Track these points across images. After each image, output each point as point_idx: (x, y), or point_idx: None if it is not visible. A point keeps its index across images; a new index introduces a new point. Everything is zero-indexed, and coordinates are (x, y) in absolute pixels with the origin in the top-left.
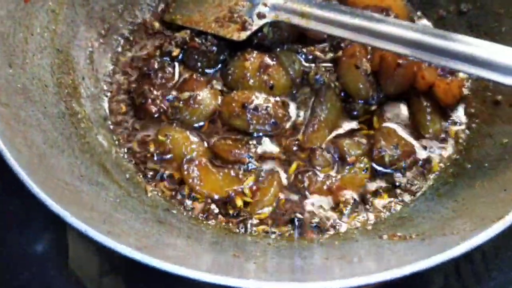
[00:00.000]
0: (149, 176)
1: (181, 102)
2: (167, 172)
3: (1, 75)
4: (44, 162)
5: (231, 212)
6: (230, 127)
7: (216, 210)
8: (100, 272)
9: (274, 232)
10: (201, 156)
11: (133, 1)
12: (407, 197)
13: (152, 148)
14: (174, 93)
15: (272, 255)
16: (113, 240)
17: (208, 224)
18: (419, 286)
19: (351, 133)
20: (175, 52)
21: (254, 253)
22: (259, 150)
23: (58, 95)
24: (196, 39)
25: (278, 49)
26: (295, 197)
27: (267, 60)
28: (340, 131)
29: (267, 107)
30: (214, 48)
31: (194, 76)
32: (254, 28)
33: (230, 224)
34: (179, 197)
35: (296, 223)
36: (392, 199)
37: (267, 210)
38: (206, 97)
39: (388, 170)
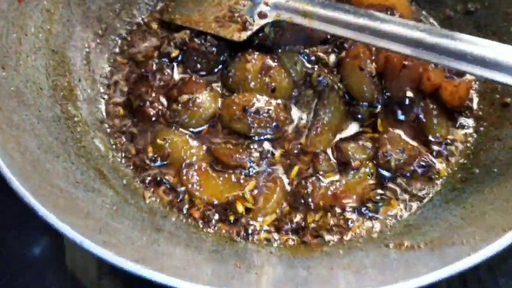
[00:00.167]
0: (147, 181)
1: (180, 105)
2: (165, 178)
3: None
4: (38, 168)
5: (231, 218)
6: (230, 130)
7: (216, 217)
8: (99, 274)
9: (277, 240)
10: (200, 160)
11: (131, 0)
12: (413, 204)
13: (150, 152)
14: (173, 95)
15: (275, 265)
16: (109, 251)
17: (208, 232)
18: None
19: (355, 137)
20: (174, 53)
21: (255, 263)
22: (261, 154)
23: (53, 98)
24: (196, 40)
25: (279, 50)
26: (298, 204)
27: (269, 61)
28: (344, 134)
29: (268, 110)
30: (214, 49)
31: (194, 78)
32: (255, 28)
33: (231, 232)
34: (178, 203)
35: (299, 231)
36: (398, 205)
37: (269, 218)
38: (205, 100)
39: (394, 175)
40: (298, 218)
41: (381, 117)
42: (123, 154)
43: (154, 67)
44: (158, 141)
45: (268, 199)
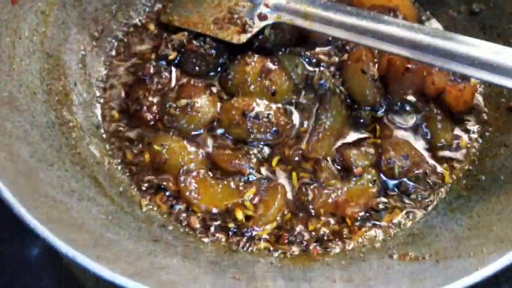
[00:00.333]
0: (143, 188)
1: (178, 110)
2: (163, 185)
3: None
4: (31, 178)
5: (231, 227)
6: (229, 135)
7: (215, 225)
8: (97, 276)
9: (277, 250)
10: (198, 167)
11: (128, 1)
12: (417, 212)
13: (147, 158)
14: (170, 99)
15: (276, 277)
16: (103, 266)
17: (206, 241)
18: None
19: (357, 142)
20: (172, 55)
21: (256, 275)
22: (261, 160)
23: (48, 103)
24: (194, 42)
25: (280, 53)
26: (299, 212)
27: (269, 64)
28: (346, 140)
29: (268, 114)
30: (213, 51)
31: (192, 82)
32: (255, 30)
33: (230, 241)
34: (175, 211)
35: (300, 240)
36: (401, 213)
37: (270, 226)
38: (204, 104)
39: (397, 182)
40: (299, 226)
41: (383, 122)
42: (119, 161)
43: (152, 70)
44: (155, 146)
45: (269, 206)
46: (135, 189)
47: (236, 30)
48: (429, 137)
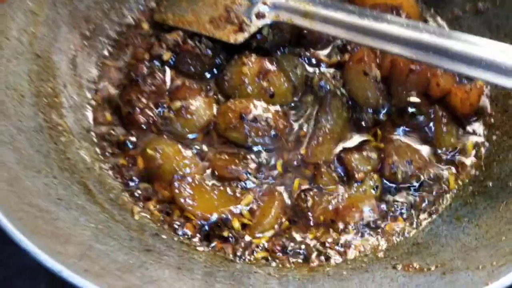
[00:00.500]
0: (136, 195)
1: (172, 112)
2: (156, 191)
3: None
4: (16, 187)
5: (227, 235)
6: (226, 139)
7: (211, 234)
8: None
9: (275, 260)
10: (194, 172)
11: None
12: (422, 219)
13: (140, 163)
14: (164, 101)
15: None
16: (90, 282)
17: (201, 251)
18: None
19: (359, 147)
20: (166, 55)
21: (253, 287)
22: (258, 165)
23: (36, 106)
24: (189, 41)
25: (278, 53)
26: (297, 219)
27: (267, 64)
28: (347, 144)
29: (267, 117)
30: (209, 51)
31: (187, 83)
32: (253, 29)
33: (226, 250)
34: (169, 219)
35: (299, 249)
36: (405, 221)
37: (268, 234)
38: (199, 107)
39: (401, 188)
40: (298, 234)
41: (386, 125)
42: (111, 166)
43: (145, 71)
44: (149, 151)
45: (266, 214)
46: (127, 196)
47: (233, 30)
48: (433, 140)
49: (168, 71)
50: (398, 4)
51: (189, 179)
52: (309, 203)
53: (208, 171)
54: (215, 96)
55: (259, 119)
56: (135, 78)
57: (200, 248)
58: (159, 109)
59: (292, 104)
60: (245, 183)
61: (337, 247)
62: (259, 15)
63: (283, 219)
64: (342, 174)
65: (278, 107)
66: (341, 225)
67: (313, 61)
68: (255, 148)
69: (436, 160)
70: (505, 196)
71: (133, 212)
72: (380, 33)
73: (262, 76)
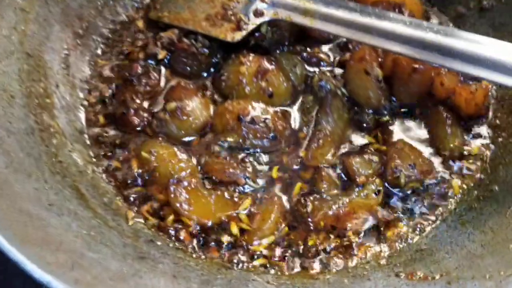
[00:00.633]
0: (130, 199)
1: (167, 113)
2: (151, 195)
3: None
4: (5, 192)
5: (224, 241)
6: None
7: (208, 240)
8: None
9: (274, 267)
10: (190, 176)
11: None
12: (425, 225)
13: (134, 166)
14: (159, 102)
15: None
16: None
17: (197, 258)
18: None
19: (361, 149)
20: (161, 54)
21: None
22: (257, 169)
23: (27, 107)
24: (185, 40)
25: (277, 52)
26: (297, 225)
27: (265, 64)
28: (348, 146)
29: (265, 119)
30: (205, 50)
31: (183, 83)
32: (251, 27)
33: (224, 257)
34: (164, 224)
35: (299, 256)
36: (408, 226)
37: (266, 240)
38: (196, 108)
39: (403, 192)
40: (298, 240)
41: (388, 126)
42: (104, 169)
43: (139, 70)
44: (143, 153)
45: (265, 219)
46: (121, 200)
47: (230, 28)
48: (437, 142)
49: (163, 70)
50: (401, 2)
51: (185, 183)
52: (309, 208)
53: (205, 175)
54: (211, 97)
55: (257, 121)
56: (129, 78)
57: (197, 255)
58: (154, 110)
59: (291, 105)
60: (243, 187)
61: (337, 254)
62: (257, 13)
63: (283, 225)
64: (343, 178)
65: (277, 108)
66: (342, 231)
67: (313, 60)
68: (253, 151)
69: (439, 162)
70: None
71: (127, 217)
72: (383, 32)
73: (261, 76)
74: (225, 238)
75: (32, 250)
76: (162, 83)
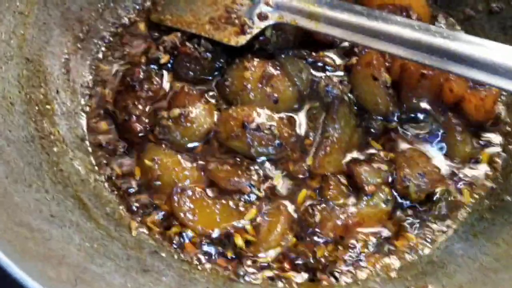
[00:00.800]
0: (133, 209)
1: (170, 120)
2: (155, 204)
3: None
4: (5, 204)
5: (229, 253)
6: (228, 149)
7: (212, 251)
8: None
9: (281, 279)
10: (194, 184)
11: None
12: (436, 236)
13: (137, 174)
14: (162, 108)
15: None
16: None
17: (202, 270)
18: None
19: (369, 157)
20: (164, 58)
21: None
22: (262, 177)
23: (27, 114)
24: (188, 44)
25: (282, 56)
26: (305, 235)
27: (270, 69)
28: (356, 153)
29: (270, 126)
30: (209, 54)
31: (186, 89)
32: (255, 31)
33: (229, 269)
34: (168, 235)
35: (307, 268)
36: (418, 237)
37: (273, 252)
38: (199, 114)
39: (413, 202)
40: (305, 251)
41: (397, 133)
42: (107, 177)
43: (141, 75)
44: (146, 161)
45: (272, 230)
46: (124, 210)
47: (234, 31)
48: (446, 150)
49: (166, 75)
50: (407, 5)
51: (190, 192)
52: (317, 218)
53: (209, 184)
54: (215, 102)
55: (263, 128)
56: (131, 83)
57: (202, 267)
58: (157, 116)
59: (297, 111)
60: (249, 196)
61: (347, 266)
62: (262, 16)
63: (290, 235)
64: (351, 186)
65: (282, 114)
66: (351, 242)
67: (319, 64)
68: (258, 159)
69: (449, 171)
70: None
71: (130, 227)
72: (390, 36)
73: (265, 81)
74: (230, 250)
75: (33, 265)
76: (165, 89)
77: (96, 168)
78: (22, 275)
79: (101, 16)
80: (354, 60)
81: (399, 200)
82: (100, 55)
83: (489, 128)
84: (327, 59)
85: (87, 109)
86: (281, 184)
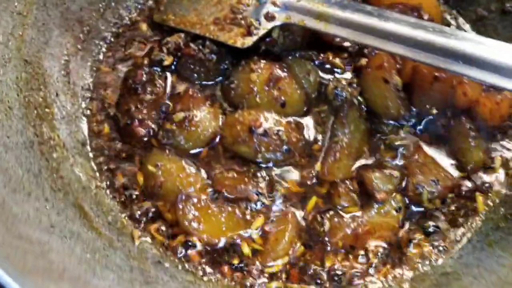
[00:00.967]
0: (136, 217)
1: (174, 124)
2: (158, 212)
3: None
4: (3, 216)
5: (236, 262)
6: (234, 154)
7: (218, 261)
8: None
9: None
10: (199, 191)
11: None
12: (450, 245)
13: (140, 180)
14: (166, 112)
15: None
16: None
17: (209, 281)
18: None
19: (380, 163)
20: (167, 60)
21: None
22: (270, 184)
23: (26, 118)
24: (192, 45)
25: (290, 58)
26: (313, 244)
27: (277, 71)
28: (366, 159)
29: (278, 131)
30: (214, 56)
31: (190, 91)
32: (262, 32)
33: (235, 279)
34: (172, 244)
35: (316, 278)
36: (432, 247)
37: (281, 262)
38: (204, 118)
39: (426, 210)
40: (314, 261)
41: (407, 138)
42: (108, 183)
43: (144, 78)
44: (149, 167)
45: (279, 239)
46: (126, 218)
47: (239, 32)
48: (459, 155)
49: (169, 77)
50: (418, 4)
51: (194, 200)
52: (326, 227)
53: (215, 191)
54: (221, 106)
55: (270, 133)
56: (133, 86)
57: (207, 278)
58: (160, 120)
59: (305, 115)
60: (256, 204)
61: (357, 277)
62: (269, 17)
63: (298, 244)
64: (361, 193)
65: (290, 118)
66: (361, 252)
67: (327, 66)
68: (265, 165)
69: (462, 177)
70: None
71: (133, 236)
72: (402, 38)
73: (273, 84)
74: (237, 259)
75: (33, 281)
76: (168, 91)
77: (98, 174)
78: None
79: (102, 16)
80: (363, 61)
81: (411, 207)
82: (101, 57)
83: (502, 132)
84: (336, 61)
85: (88, 112)
86: (289, 191)
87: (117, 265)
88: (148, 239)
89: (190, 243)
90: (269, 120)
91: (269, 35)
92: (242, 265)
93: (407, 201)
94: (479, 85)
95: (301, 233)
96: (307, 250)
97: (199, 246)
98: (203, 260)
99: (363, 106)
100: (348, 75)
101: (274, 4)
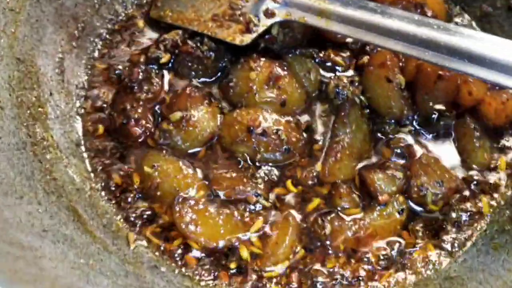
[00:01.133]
0: (131, 219)
1: (171, 124)
2: (154, 215)
3: None
4: None
5: (234, 267)
6: (232, 154)
7: (216, 265)
8: None
9: None
10: (196, 193)
11: None
12: (454, 249)
13: (136, 182)
14: (162, 111)
15: None
16: None
17: (206, 286)
18: None
19: (382, 164)
20: (164, 58)
21: None
22: (269, 185)
23: (18, 118)
24: (189, 42)
25: (289, 55)
26: (314, 247)
27: (277, 69)
28: (368, 160)
29: (277, 130)
30: (212, 53)
31: (187, 90)
32: (261, 29)
33: (233, 284)
34: (169, 247)
35: (316, 283)
36: (436, 251)
37: (281, 266)
38: (202, 117)
39: (429, 212)
40: (315, 265)
41: (411, 138)
42: (103, 185)
43: (140, 76)
44: (146, 168)
45: (280, 242)
46: (122, 220)
47: (238, 29)
48: (464, 156)
49: (166, 75)
50: (422, 0)
51: (192, 202)
52: (327, 230)
53: (213, 192)
54: (219, 105)
55: (269, 132)
56: (129, 84)
57: (205, 283)
58: (157, 119)
59: (305, 114)
60: (254, 206)
61: (359, 281)
62: (268, 13)
63: (298, 247)
64: (363, 195)
65: (290, 118)
66: (363, 255)
67: (328, 64)
68: (264, 165)
69: (467, 178)
70: None
71: (128, 239)
72: (406, 36)
73: (272, 82)
74: (235, 263)
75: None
76: (165, 90)
77: (92, 175)
78: None
79: (97, 12)
80: (365, 59)
81: (415, 209)
82: (96, 54)
83: (507, 133)
84: (337, 58)
85: (83, 112)
86: (289, 192)
87: (111, 270)
88: (144, 242)
89: (187, 247)
90: (268, 120)
91: (268, 32)
92: (241, 269)
93: (410, 203)
94: (484, 84)
95: (301, 236)
96: (307, 254)
97: (196, 250)
98: (201, 264)
99: (365, 105)
100: (349, 73)
101: (274, 0)
